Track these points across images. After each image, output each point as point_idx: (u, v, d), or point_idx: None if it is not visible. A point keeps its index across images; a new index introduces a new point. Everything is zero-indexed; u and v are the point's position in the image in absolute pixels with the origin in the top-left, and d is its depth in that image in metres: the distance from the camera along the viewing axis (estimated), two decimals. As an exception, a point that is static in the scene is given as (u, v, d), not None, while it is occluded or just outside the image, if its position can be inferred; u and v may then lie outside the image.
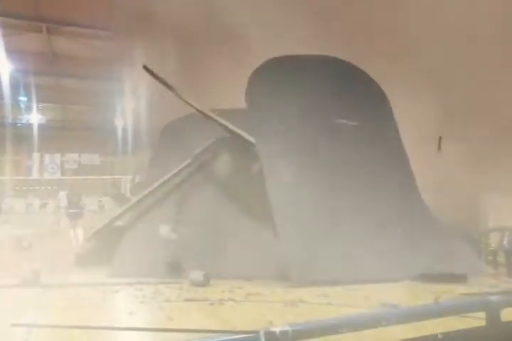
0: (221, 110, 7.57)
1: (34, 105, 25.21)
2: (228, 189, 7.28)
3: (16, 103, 24.30)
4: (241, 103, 7.16)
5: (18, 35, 16.65)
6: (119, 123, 27.76)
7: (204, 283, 5.76)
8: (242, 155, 7.32)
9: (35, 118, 26.71)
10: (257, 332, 1.52)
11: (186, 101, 7.79)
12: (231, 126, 7.19)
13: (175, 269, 6.19)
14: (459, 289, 5.22)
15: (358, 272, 5.87)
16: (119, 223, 7.72)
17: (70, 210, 10.74)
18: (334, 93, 7.03)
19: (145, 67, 7.48)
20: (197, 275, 5.80)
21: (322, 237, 6.09)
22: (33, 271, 5.74)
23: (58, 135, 27.92)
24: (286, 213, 6.27)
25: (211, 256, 6.48)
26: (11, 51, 16.99)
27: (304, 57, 7.35)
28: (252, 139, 6.88)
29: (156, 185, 7.49)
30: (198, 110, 7.43)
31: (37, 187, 28.11)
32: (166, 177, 7.49)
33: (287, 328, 1.43)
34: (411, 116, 7.33)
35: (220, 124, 7.28)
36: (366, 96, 7.26)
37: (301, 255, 5.96)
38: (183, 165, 7.54)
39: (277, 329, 1.43)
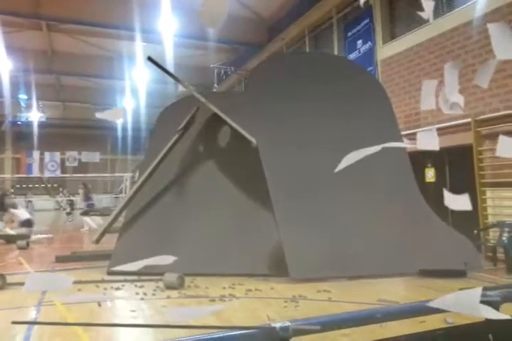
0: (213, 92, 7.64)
1: (34, 103, 25.18)
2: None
3: (15, 101, 24.27)
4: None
5: (17, 33, 16.60)
6: (119, 121, 27.75)
7: (178, 285, 5.46)
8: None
9: (35, 116, 26.68)
10: (256, 327, 1.53)
11: (191, 91, 7.79)
12: (234, 125, 7.17)
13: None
14: (458, 284, 5.23)
15: (358, 267, 5.90)
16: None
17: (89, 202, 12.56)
18: (331, 87, 7.03)
19: (149, 58, 7.46)
20: (171, 277, 5.49)
21: (323, 230, 6.10)
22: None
23: (58, 133, 27.95)
24: (288, 206, 6.27)
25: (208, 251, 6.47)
26: (10, 49, 16.96)
27: (304, 54, 7.35)
28: (253, 139, 6.86)
29: (142, 178, 7.31)
30: (204, 102, 7.41)
31: (37, 185, 28.18)
32: (151, 169, 7.21)
33: (287, 324, 1.43)
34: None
35: (225, 121, 7.28)
36: (365, 92, 7.24)
37: (302, 249, 5.96)
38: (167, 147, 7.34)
39: (277, 325, 1.43)
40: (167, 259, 1.68)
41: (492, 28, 2.16)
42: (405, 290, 5.47)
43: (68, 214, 17.58)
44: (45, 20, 15.38)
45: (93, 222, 12.54)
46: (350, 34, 11.86)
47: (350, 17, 12.23)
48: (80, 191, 13.28)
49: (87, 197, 12.71)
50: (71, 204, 18.20)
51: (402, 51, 9.84)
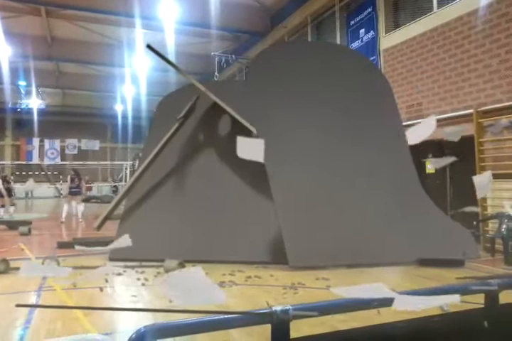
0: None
1: (34, 90, 25.00)
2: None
3: (15, 87, 24.10)
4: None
5: (16, 18, 16.42)
6: (119, 108, 27.65)
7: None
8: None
9: (34, 103, 26.51)
10: (257, 311, 1.55)
11: (191, 80, 7.74)
12: (234, 114, 7.13)
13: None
14: (455, 274, 5.28)
15: (356, 256, 5.95)
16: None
17: (72, 189, 12.61)
18: (333, 77, 6.98)
19: (149, 46, 7.40)
20: (171, 263, 5.52)
21: (323, 218, 6.13)
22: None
23: (58, 120, 27.84)
24: (287, 194, 6.29)
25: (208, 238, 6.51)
26: (9, 34, 16.79)
27: (306, 42, 7.28)
28: (253, 129, 6.83)
29: (143, 166, 7.29)
30: (203, 92, 7.36)
31: (36, 172, 28.18)
32: (153, 155, 7.21)
33: (288, 307, 1.45)
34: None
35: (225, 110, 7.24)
36: (368, 82, 7.19)
37: (301, 237, 6.00)
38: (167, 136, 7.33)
39: (278, 308, 1.45)
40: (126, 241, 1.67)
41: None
42: (402, 279, 5.51)
43: None
44: (44, 6, 15.19)
45: (80, 212, 12.52)
46: (352, 23, 11.75)
47: (353, 5, 12.10)
48: (68, 177, 13.28)
49: (72, 182, 12.67)
50: None
51: (405, 41, 9.76)
